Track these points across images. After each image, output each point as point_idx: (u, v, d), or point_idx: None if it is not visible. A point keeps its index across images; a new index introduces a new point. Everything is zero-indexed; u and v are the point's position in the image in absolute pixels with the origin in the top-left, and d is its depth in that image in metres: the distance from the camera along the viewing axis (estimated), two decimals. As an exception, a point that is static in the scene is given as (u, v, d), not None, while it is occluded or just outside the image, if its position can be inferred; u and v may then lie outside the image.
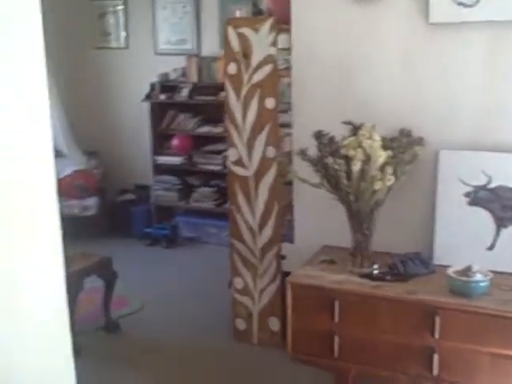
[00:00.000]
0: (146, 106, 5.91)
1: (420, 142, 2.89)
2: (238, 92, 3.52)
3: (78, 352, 3.63)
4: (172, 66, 5.93)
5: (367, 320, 2.69)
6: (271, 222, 3.57)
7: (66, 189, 6.07)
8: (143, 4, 6.10)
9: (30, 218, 1.03)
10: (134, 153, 6.26)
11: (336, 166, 2.72)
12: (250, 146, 3.54)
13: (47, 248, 1.09)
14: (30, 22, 0.89)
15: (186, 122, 5.84)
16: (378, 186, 2.69)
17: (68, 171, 6.14)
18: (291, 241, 3.51)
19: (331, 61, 3.14)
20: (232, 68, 3.51)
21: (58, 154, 6.23)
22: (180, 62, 5.88)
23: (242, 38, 3.45)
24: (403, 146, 2.81)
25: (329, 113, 3.15)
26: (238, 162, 3.60)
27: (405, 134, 2.89)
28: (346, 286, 2.74)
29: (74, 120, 6.40)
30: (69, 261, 3.75)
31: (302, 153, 2.86)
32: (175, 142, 5.76)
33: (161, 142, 5.94)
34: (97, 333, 4.00)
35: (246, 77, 3.49)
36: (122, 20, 6.28)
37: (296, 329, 2.84)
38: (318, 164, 2.82)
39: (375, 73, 3.06)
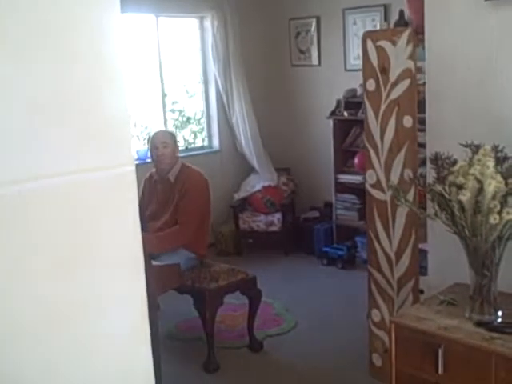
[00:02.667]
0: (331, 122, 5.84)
1: None
2: (376, 110, 3.28)
3: (216, 367, 3.73)
4: (360, 81, 5.76)
5: (475, 376, 2.29)
6: (408, 252, 3.25)
7: (255, 204, 6.27)
8: (335, 21, 6.05)
9: (111, 240, 1.06)
10: (322, 170, 6.22)
11: (446, 195, 2.37)
12: (387, 168, 3.27)
13: (129, 272, 1.11)
14: (112, 51, 0.91)
15: (369, 140, 5.62)
16: (493, 219, 2.27)
17: (258, 187, 6.33)
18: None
19: (467, 74, 2.76)
20: (370, 84, 3.29)
21: (251, 170, 6.47)
22: (367, 78, 5.69)
23: (380, 51, 3.21)
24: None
25: (464, 132, 2.76)
26: (376, 185, 3.34)
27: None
28: (454, 333, 2.36)
29: (269, 136, 6.59)
30: (215, 275, 3.86)
31: (415, 177, 2.55)
32: (356, 160, 5.58)
33: (344, 159, 5.81)
34: (240, 350, 4.03)
35: (384, 93, 3.23)
36: (315, 38, 6.30)
37: (399, 372, 2.53)
38: (431, 191, 2.48)
39: (518, 86, 2.61)
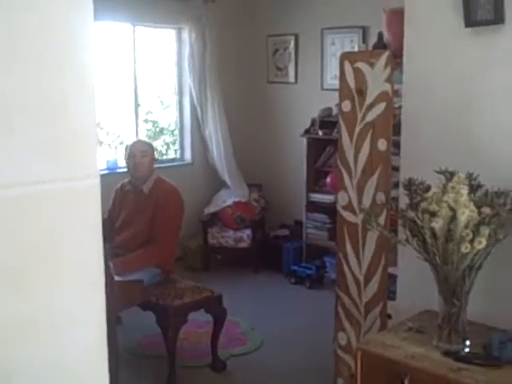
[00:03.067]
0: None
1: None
2: (351, 131, 3.25)
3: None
4: (336, 101, 5.76)
5: (440, 408, 2.24)
6: (377, 276, 3.21)
7: (225, 219, 6.20)
8: (313, 40, 6.06)
9: (73, 253, 1.00)
10: (294, 188, 6.19)
11: (418, 222, 2.34)
12: (359, 190, 3.24)
13: (88, 288, 1.05)
14: (82, 60, 0.86)
15: (342, 160, 5.61)
16: (465, 248, 2.25)
17: (229, 202, 6.27)
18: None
19: (445, 99, 2.74)
20: (346, 105, 3.26)
21: (222, 185, 6.41)
22: (343, 98, 5.68)
23: (357, 73, 3.19)
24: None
25: (439, 158, 2.74)
26: (348, 207, 3.31)
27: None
28: (420, 362, 2.32)
29: (242, 151, 6.54)
30: (180, 292, 3.78)
31: (387, 202, 2.52)
32: (329, 179, 5.56)
33: (316, 178, 5.79)
34: (203, 369, 3.94)
35: (359, 115, 3.21)
36: (293, 55, 6.29)
37: (364, 403, 2.47)
38: (403, 217, 2.45)
39: (496, 114, 2.60)
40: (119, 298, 3.19)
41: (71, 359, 0.95)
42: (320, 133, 5.65)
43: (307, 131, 5.78)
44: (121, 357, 3.77)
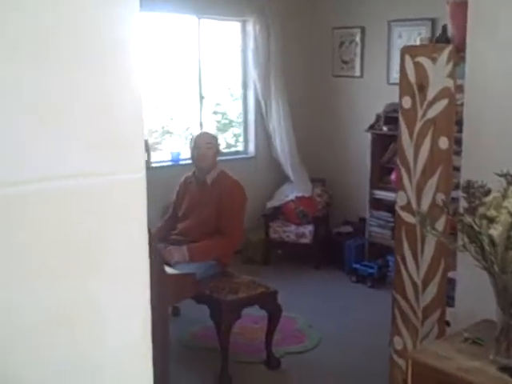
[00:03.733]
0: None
1: None
2: (411, 128, 3.12)
3: (228, 382, 3.62)
4: (402, 95, 5.58)
5: (494, 426, 2.12)
6: (436, 281, 3.07)
7: (287, 213, 6.15)
8: (379, 33, 5.88)
9: (112, 248, 1.02)
10: (358, 184, 6.05)
11: (476, 227, 2.20)
12: (419, 190, 3.11)
13: (132, 282, 1.08)
14: (126, 55, 0.88)
15: (408, 156, 5.43)
16: (525, 257, 2.10)
17: (291, 197, 6.21)
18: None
19: (509, 96, 2.58)
20: (406, 101, 3.13)
21: (285, 179, 6.35)
22: (410, 92, 5.50)
23: (418, 67, 3.05)
24: None
25: (502, 159, 2.58)
26: (406, 207, 3.18)
27: None
28: (474, 377, 2.19)
29: (306, 145, 6.46)
30: (235, 287, 3.76)
31: (444, 205, 2.39)
32: (393, 176, 5.39)
33: (381, 175, 5.63)
34: (257, 366, 3.91)
35: (420, 111, 3.07)
36: (358, 49, 6.14)
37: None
38: (461, 222, 2.31)
39: None
40: (170, 291, 3.20)
41: (107, 354, 0.94)
42: (384, 128, 5.49)
43: (372, 127, 5.63)
44: (174, 348, 3.80)
